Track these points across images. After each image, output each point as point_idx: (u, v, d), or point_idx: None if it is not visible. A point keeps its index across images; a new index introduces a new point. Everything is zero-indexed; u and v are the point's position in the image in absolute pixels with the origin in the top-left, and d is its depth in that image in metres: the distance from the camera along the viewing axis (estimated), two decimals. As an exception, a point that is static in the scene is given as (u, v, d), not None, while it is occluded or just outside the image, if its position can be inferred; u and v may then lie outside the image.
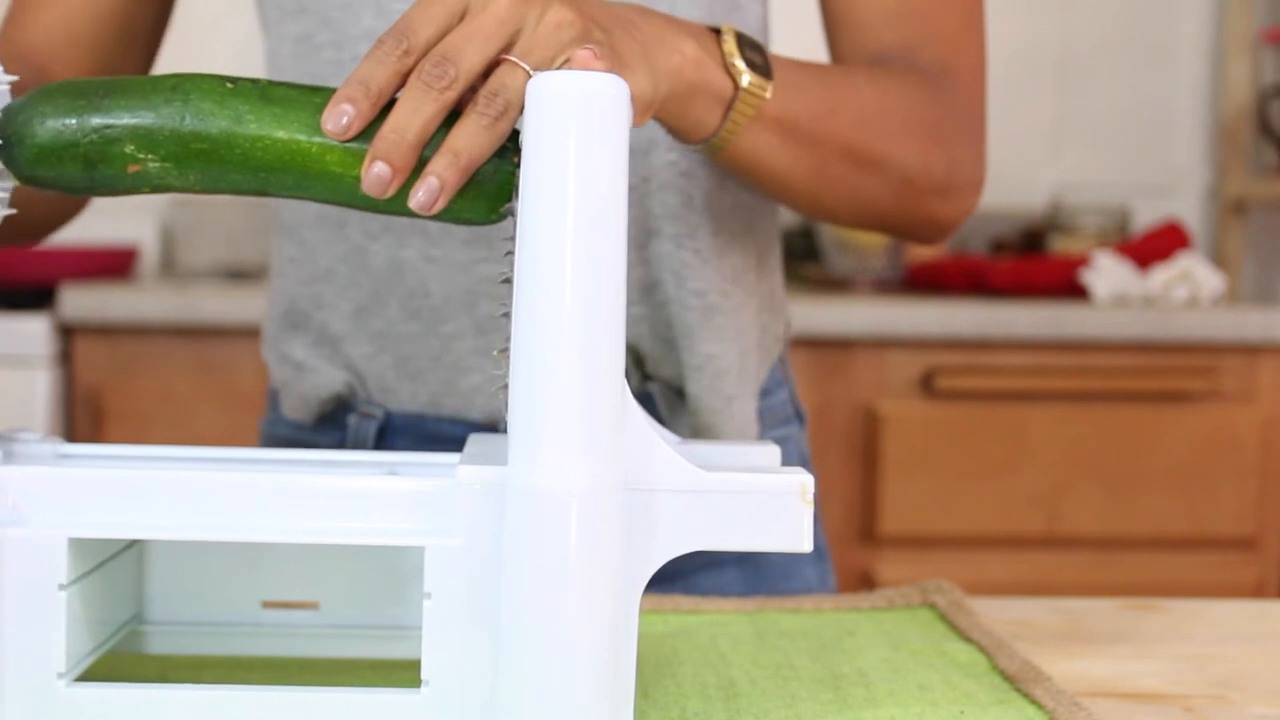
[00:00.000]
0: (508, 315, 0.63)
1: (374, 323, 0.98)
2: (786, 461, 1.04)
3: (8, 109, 0.67)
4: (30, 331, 2.09)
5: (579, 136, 0.61)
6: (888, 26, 0.97)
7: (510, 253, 0.64)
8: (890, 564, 2.19)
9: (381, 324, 0.98)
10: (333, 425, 1.02)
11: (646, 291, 0.96)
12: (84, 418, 2.13)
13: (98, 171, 0.66)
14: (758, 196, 1.00)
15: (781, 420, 1.06)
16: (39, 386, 2.08)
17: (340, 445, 1.02)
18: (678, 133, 0.81)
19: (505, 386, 0.63)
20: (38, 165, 0.66)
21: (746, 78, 0.80)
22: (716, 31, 0.81)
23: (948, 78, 0.98)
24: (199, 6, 2.56)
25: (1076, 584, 2.19)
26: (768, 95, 0.81)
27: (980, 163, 0.99)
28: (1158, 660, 0.81)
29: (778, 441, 1.03)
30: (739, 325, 0.97)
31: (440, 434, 0.98)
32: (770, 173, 0.87)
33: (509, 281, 0.64)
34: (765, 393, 1.04)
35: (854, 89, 0.90)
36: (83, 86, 0.67)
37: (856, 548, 2.21)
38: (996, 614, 0.90)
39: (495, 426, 0.97)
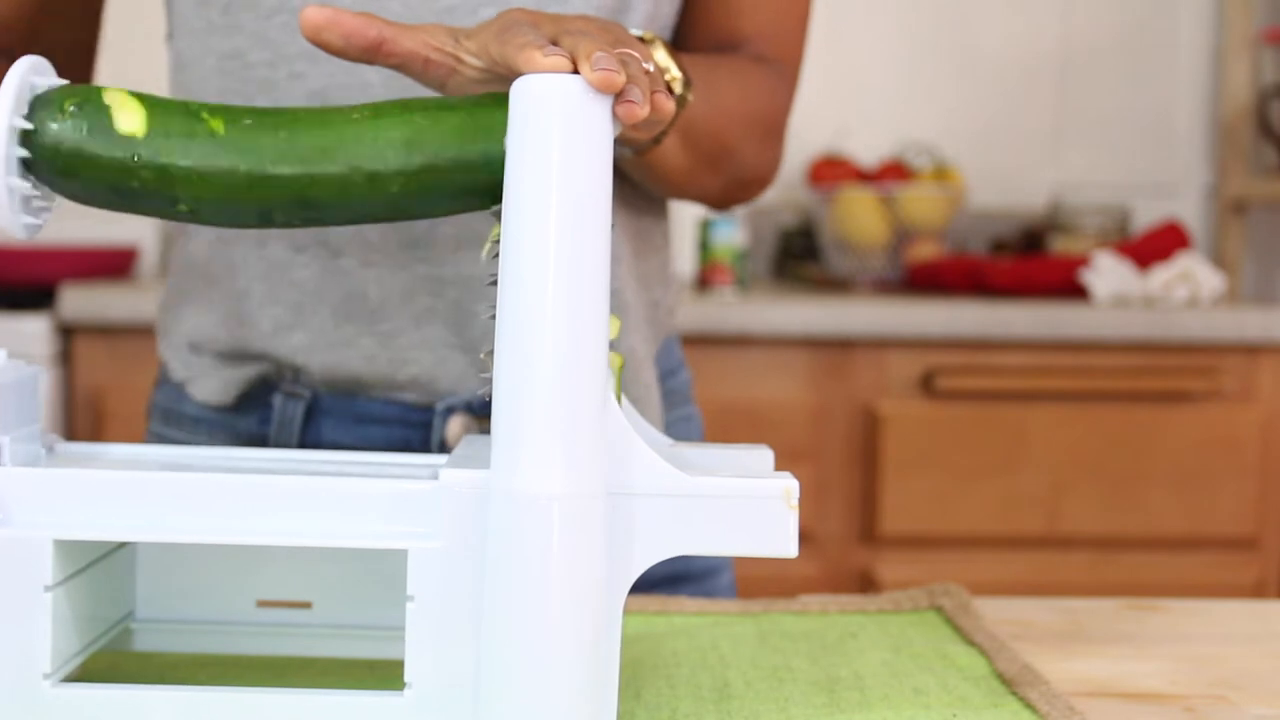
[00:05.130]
0: (494, 317, 0.63)
1: (295, 336, 0.95)
2: (690, 436, 1.07)
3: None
4: (30, 331, 2.09)
5: (563, 138, 0.60)
6: (743, 14, 1.01)
7: (497, 255, 0.63)
8: (890, 564, 2.19)
9: (307, 335, 0.95)
10: (255, 404, 0.99)
11: None
12: (84, 418, 2.13)
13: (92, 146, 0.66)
14: (638, 186, 1.03)
15: (684, 400, 1.09)
16: (39, 383, 2.08)
17: (264, 426, 0.98)
18: (627, 140, 0.82)
19: (490, 389, 0.63)
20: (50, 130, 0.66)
21: (679, 85, 0.83)
22: (641, 39, 0.82)
23: (780, 73, 1.02)
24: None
25: (1076, 584, 2.19)
26: (690, 100, 0.84)
27: (781, 159, 1.04)
28: (1158, 660, 0.81)
29: (683, 421, 1.07)
30: (641, 313, 1.01)
31: (371, 414, 0.97)
32: (663, 169, 0.92)
33: (495, 284, 0.63)
34: (669, 374, 1.07)
35: (724, 89, 0.95)
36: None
37: (856, 548, 2.21)
38: (997, 614, 0.90)
39: (432, 406, 0.95)
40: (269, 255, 0.95)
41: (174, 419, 1.02)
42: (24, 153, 0.65)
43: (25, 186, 0.65)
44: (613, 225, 0.95)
